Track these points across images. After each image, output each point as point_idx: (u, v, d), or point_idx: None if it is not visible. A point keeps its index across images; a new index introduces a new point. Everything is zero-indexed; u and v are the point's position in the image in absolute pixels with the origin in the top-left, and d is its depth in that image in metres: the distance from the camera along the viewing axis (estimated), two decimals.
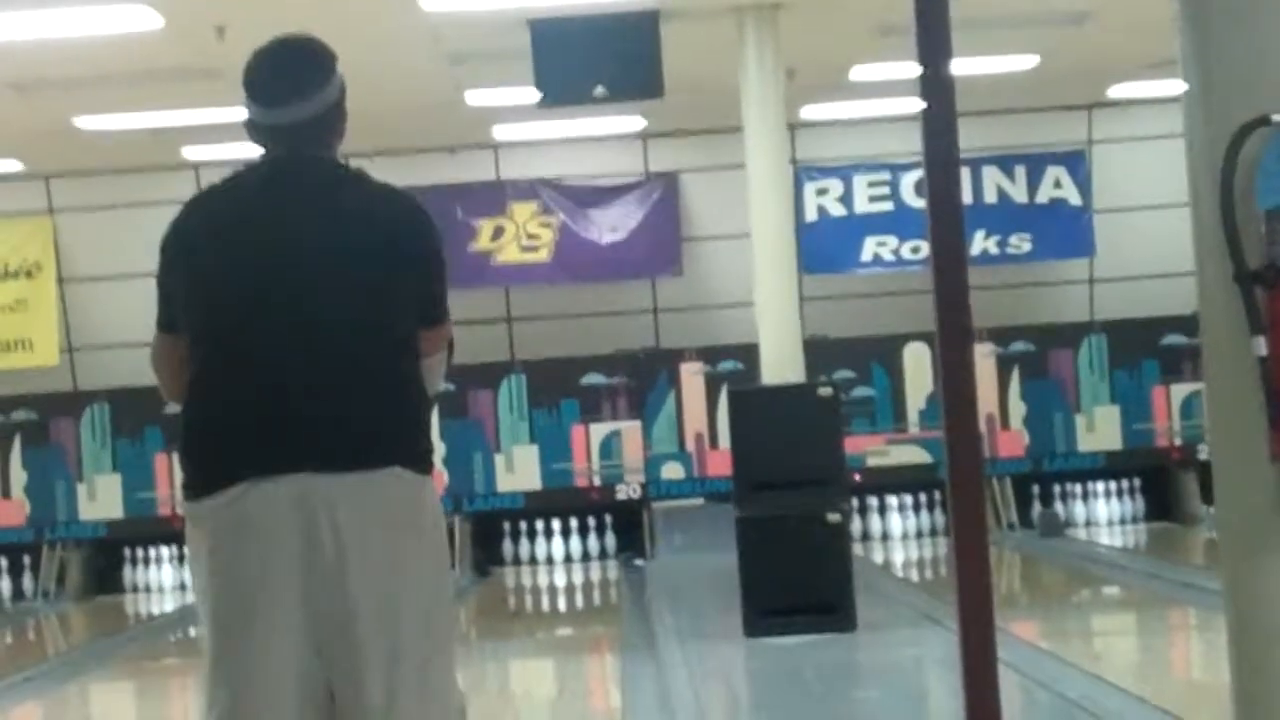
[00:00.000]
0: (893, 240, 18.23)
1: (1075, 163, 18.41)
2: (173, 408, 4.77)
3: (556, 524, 18.00)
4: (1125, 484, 18.19)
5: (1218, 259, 4.94)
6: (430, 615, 4.52)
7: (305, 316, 4.47)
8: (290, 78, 4.63)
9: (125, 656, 14.12)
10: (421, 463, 4.53)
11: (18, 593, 17.94)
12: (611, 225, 18.36)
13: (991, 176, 18.23)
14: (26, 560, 17.98)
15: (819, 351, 15.95)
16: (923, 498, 18.05)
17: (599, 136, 18.08)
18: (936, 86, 4.17)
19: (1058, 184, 18.36)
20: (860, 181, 18.36)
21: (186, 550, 4.64)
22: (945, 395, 4.19)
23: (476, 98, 15.80)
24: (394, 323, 4.53)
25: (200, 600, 4.58)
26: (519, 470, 17.88)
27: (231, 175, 4.72)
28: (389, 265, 4.53)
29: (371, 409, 4.47)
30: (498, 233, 18.35)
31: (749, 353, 14.78)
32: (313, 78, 4.65)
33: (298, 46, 4.72)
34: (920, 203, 17.30)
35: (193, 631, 14.69)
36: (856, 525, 17.34)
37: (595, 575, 17.34)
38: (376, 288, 4.51)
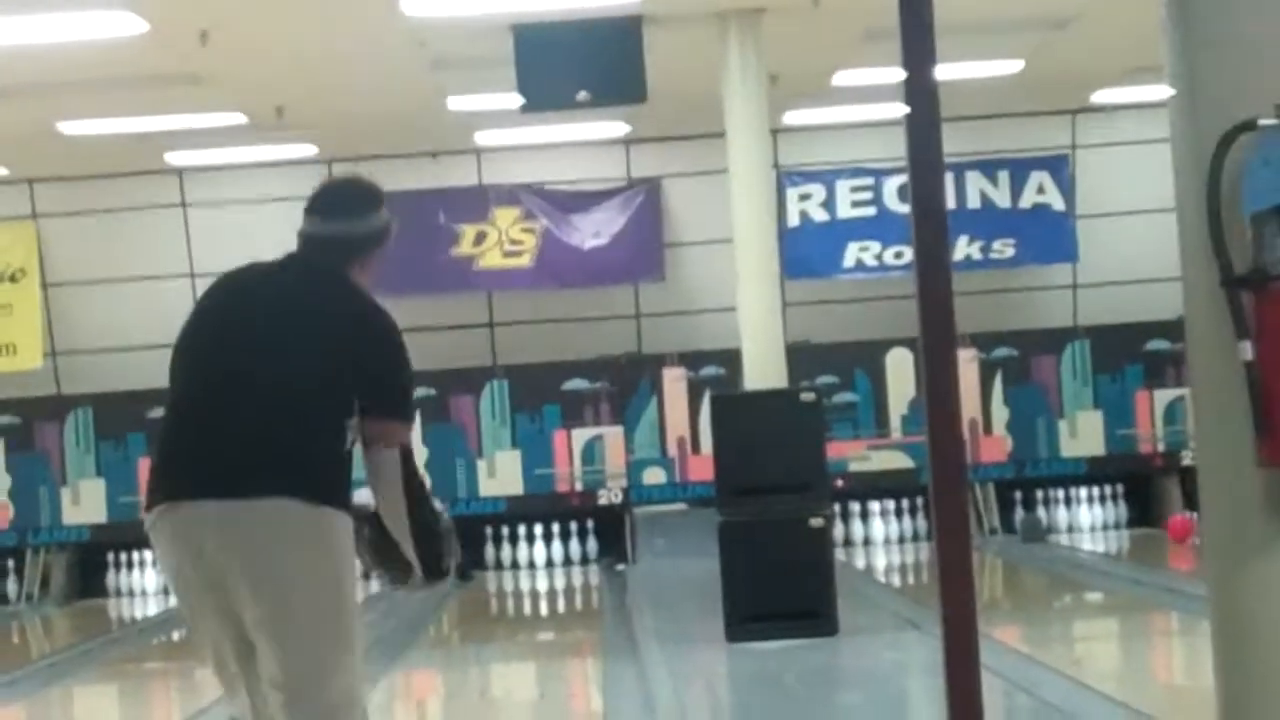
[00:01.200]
0: (875, 245, 18.20)
1: (1059, 168, 18.40)
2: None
3: (538, 529, 18.00)
4: (1108, 490, 18.20)
5: (1203, 263, 4.95)
6: (324, 615, 5.38)
7: (246, 382, 5.40)
8: (329, 202, 5.69)
9: (108, 660, 14.10)
10: (315, 494, 5.35)
11: (1, 596, 17.92)
12: (594, 231, 18.33)
13: (975, 181, 18.22)
14: (10, 564, 17.97)
15: (801, 357, 15.93)
16: (905, 503, 18.04)
17: (582, 142, 18.06)
18: (920, 91, 4.17)
19: (1041, 189, 18.35)
20: (843, 186, 18.34)
21: None
22: (928, 400, 4.19)
23: (459, 103, 15.78)
24: (321, 398, 5.39)
25: None
26: (501, 475, 17.88)
27: (251, 263, 5.72)
28: (331, 353, 5.43)
29: (273, 454, 5.35)
30: (480, 238, 18.33)
31: (731, 358, 14.76)
32: (345, 207, 5.68)
33: (348, 182, 5.85)
34: (903, 208, 17.32)
35: (175, 635, 14.67)
36: (839, 530, 17.35)
37: (577, 580, 17.33)
38: (313, 368, 5.40)
